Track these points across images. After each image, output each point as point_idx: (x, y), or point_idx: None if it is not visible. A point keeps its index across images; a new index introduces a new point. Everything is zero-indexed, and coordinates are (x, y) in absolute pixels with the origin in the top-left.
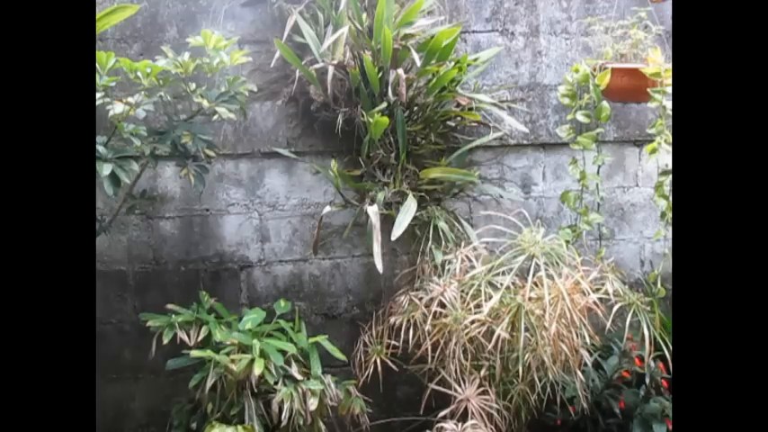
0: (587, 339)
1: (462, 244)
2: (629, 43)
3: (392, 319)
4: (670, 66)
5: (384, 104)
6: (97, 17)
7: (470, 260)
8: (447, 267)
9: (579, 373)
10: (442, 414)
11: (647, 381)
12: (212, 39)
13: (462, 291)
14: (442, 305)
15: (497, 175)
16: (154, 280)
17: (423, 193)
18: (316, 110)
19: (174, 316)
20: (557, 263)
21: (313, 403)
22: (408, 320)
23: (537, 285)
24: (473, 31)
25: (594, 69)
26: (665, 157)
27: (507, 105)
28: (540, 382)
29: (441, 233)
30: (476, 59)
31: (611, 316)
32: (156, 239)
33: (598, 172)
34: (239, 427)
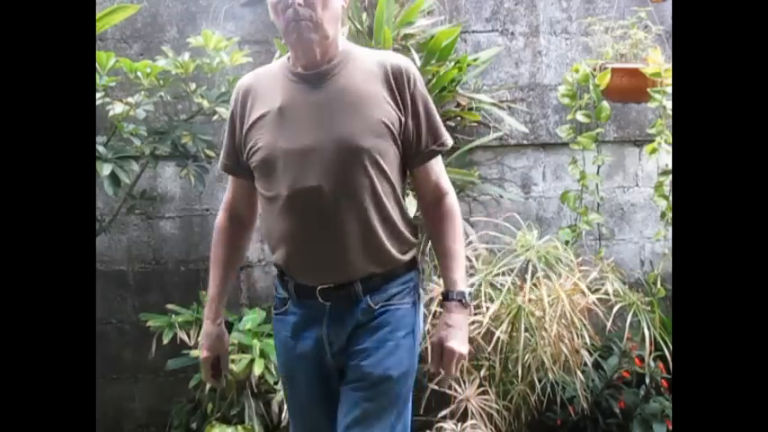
0: (587, 339)
1: None
2: (629, 43)
3: None
4: (670, 66)
5: None
6: (97, 17)
7: (470, 260)
8: None
9: (579, 373)
10: (441, 414)
11: (647, 381)
12: (212, 39)
13: None
14: (442, 305)
15: (497, 175)
16: (154, 280)
17: None
18: None
19: (174, 316)
20: (555, 264)
21: None
22: None
23: (536, 287)
24: (473, 31)
25: (594, 69)
26: (665, 157)
27: (507, 105)
28: (540, 382)
29: None
30: (476, 59)
31: (612, 316)
32: (156, 239)
33: (598, 172)
34: (239, 427)
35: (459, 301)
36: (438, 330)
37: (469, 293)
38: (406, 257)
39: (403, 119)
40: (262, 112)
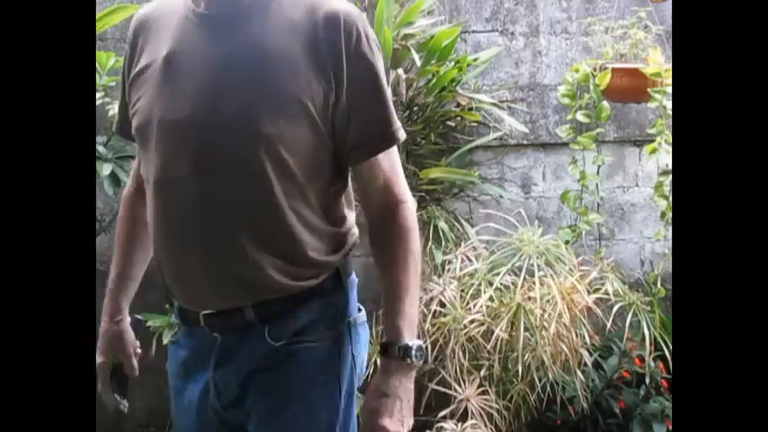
0: (587, 339)
1: (462, 244)
2: (629, 43)
3: None
4: (670, 66)
5: None
6: (97, 17)
7: (470, 259)
8: (447, 267)
9: (579, 373)
10: (441, 414)
11: (647, 381)
12: None
13: (462, 290)
14: (442, 304)
15: (497, 175)
16: (154, 280)
17: (423, 194)
18: None
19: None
20: (555, 262)
21: None
22: None
23: (537, 286)
24: (473, 31)
25: (594, 69)
26: (665, 157)
27: (507, 105)
28: (539, 382)
29: (441, 233)
30: (476, 59)
31: (611, 316)
32: None
33: (598, 172)
34: None
35: (403, 358)
36: (369, 397)
37: (418, 348)
38: (308, 283)
39: (333, 96)
40: (147, 61)
